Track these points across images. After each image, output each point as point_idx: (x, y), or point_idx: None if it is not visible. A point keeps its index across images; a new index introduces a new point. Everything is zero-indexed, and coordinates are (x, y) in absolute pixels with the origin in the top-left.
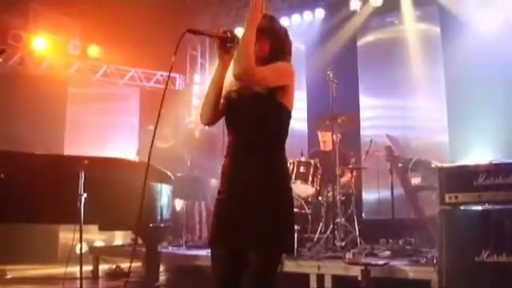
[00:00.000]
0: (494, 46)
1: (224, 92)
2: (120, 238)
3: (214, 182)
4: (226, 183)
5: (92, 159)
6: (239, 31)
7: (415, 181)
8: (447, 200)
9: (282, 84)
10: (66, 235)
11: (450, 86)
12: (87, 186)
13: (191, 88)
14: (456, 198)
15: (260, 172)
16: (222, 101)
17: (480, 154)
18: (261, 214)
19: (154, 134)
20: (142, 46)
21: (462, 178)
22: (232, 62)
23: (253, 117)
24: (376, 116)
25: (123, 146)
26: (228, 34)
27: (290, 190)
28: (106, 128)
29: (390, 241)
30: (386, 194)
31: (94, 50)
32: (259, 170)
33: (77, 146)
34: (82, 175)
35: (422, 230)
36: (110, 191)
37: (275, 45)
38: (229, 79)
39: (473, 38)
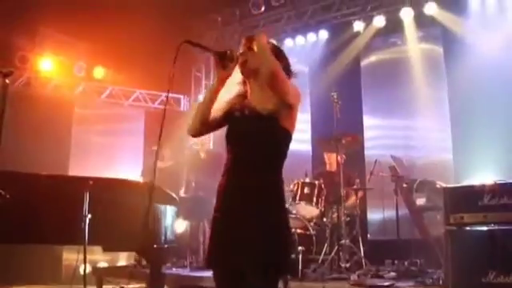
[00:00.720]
0: (497, 66)
1: (225, 107)
2: (124, 258)
3: None
4: (221, 202)
5: (97, 180)
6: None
7: (420, 201)
8: (452, 220)
9: (292, 102)
10: (70, 256)
11: (453, 105)
12: (92, 206)
13: None
14: (461, 218)
15: (255, 192)
16: (220, 115)
17: (484, 173)
18: (255, 235)
19: (157, 154)
20: (147, 68)
21: (467, 199)
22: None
23: (253, 138)
24: (380, 136)
25: (128, 166)
26: (228, 52)
27: (285, 211)
28: (110, 149)
29: (396, 262)
30: (390, 214)
31: (99, 72)
32: (254, 189)
33: (82, 166)
34: (87, 196)
35: (427, 250)
36: (115, 212)
37: None
38: (230, 95)
39: (475, 59)
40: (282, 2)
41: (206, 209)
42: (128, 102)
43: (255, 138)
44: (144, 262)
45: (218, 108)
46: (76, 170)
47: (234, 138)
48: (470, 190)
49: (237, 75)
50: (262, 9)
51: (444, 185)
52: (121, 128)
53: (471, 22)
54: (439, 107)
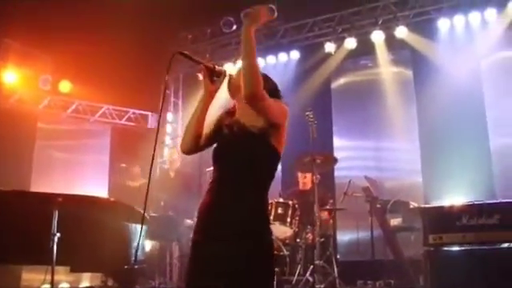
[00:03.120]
0: (465, 89)
1: (214, 123)
2: (87, 279)
3: (188, 223)
4: (204, 222)
5: (67, 197)
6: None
7: (394, 222)
8: (431, 241)
9: (277, 121)
10: (30, 276)
11: (422, 128)
12: (61, 225)
13: (164, 127)
14: (440, 238)
15: (240, 212)
16: (209, 132)
17: (454, 195)
18: (238, 258)
19: (152, 163)
20: (115, 83)
21: (445, 219)
22: (221, 90)
23: (242, 156)
24: (350, 157)
25: (93, 184)
26: (216, 66)
27: (270, 233)
28: (75, 165)
29: (369, 282)
30: (362, 234)
31: (65, 86)
32: (240, 210)
33: (44, 183)
34: (56, 214)
35: (400, 271)
36: (84, 231)
37: None
38: (217, 111)
39: (445, 82)
40: None
41: (175, 229)
42: (94, 117)
43: (243, 155)
44: (110, 283)
45: (208, 124)
46: (38, 187)
47: (221, 155)
48: (449, 210)
49: (225, 90)
50: (234, 28)
51: (417, 205)
52: (86, 144)
53: (440, 45)
54: (409, 129)
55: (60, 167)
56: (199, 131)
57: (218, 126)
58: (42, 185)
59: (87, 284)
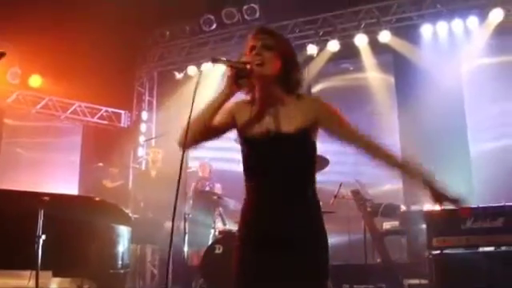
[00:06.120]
0: (448, 95)
1: (225, 117)
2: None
3: (169, 226)
4: (260, 233)
5: (53, 196)
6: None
7: (387, 225)
8: (435, 244)
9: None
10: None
11: (403, 132)
12: (46, 226)
13: (138, 126)
14: (444, 241)
15: (306, 218)
16: (219, 126)
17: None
18: (314, 258)
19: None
20: (88, 80)
21: (449, 222)
22: None
23: (289, 161)
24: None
25: (62, 184)
26: (248, 66)
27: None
28: (43, 164)
29: (354, 287)
30: (353, 238)
31: (35, 80)
32: (305, 215)
33: (8, 183)
34: (41, 214)
35: (389, 275)
36: (70, 233)
37: (286, 59)
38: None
39: (426, 87)
40: (234, 21)
41: (154, 231)
42: (65, 114)
43: (291, 161)
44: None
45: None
46: (3, 186)
47: (265, 164)
48: (453, 213)
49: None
50: (214, 26)
51: (427, 208)
52: (55, 143)
53: (423, 51)
54: (390, 134)
55: (27, 166)
56: (207, 129)
57: (247, 132)
58: (6, 185)
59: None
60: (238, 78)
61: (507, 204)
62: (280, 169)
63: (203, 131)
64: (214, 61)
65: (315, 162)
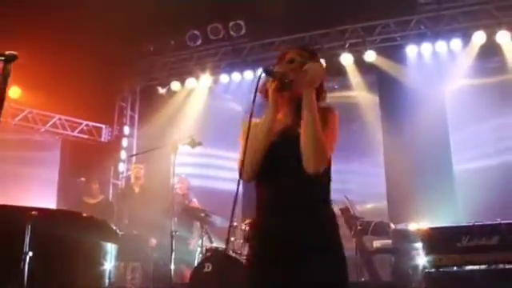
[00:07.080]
0: (431, 113)
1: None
2: None
3: (153, 242)
4: (274, 247)
5: (41, 211)
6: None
7: (377, 243)
8: (430, 262)
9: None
10: None
11: (387, 151)
12: (33, 242)
13: (119, 140)
14: (440, 260)
15: (323, 227)
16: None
17: (418, 218)
18: (333, 266)
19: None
20: (69, 93)
21: (445, 240)
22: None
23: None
24: None
25: (39, 200)
26: (290, 78)
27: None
28: (18, 179)
29: None
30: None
31: (14, 92)
32: (320, 227)
33: None
34: (29, 229)
35: None
36: (57, 250)
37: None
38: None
39: (410, 106)
40: (219, 37)
41: (139, 248)
42: (45, 127)
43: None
44: None
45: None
46: None
47: (279, 171)
48: (449, 231)
49: None
50: (199, 42)
51: (422, 226)
52: (33, 156)
53: (407, 71)
54: (374, 153)
55: (2, 180)
56: (264, 154)
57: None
58: None
59: None
60: (281, 89)
61: (503, 222)
62: (294, 168)
63: (262, 159)
64: (268, 73)
65: (330, 165)
